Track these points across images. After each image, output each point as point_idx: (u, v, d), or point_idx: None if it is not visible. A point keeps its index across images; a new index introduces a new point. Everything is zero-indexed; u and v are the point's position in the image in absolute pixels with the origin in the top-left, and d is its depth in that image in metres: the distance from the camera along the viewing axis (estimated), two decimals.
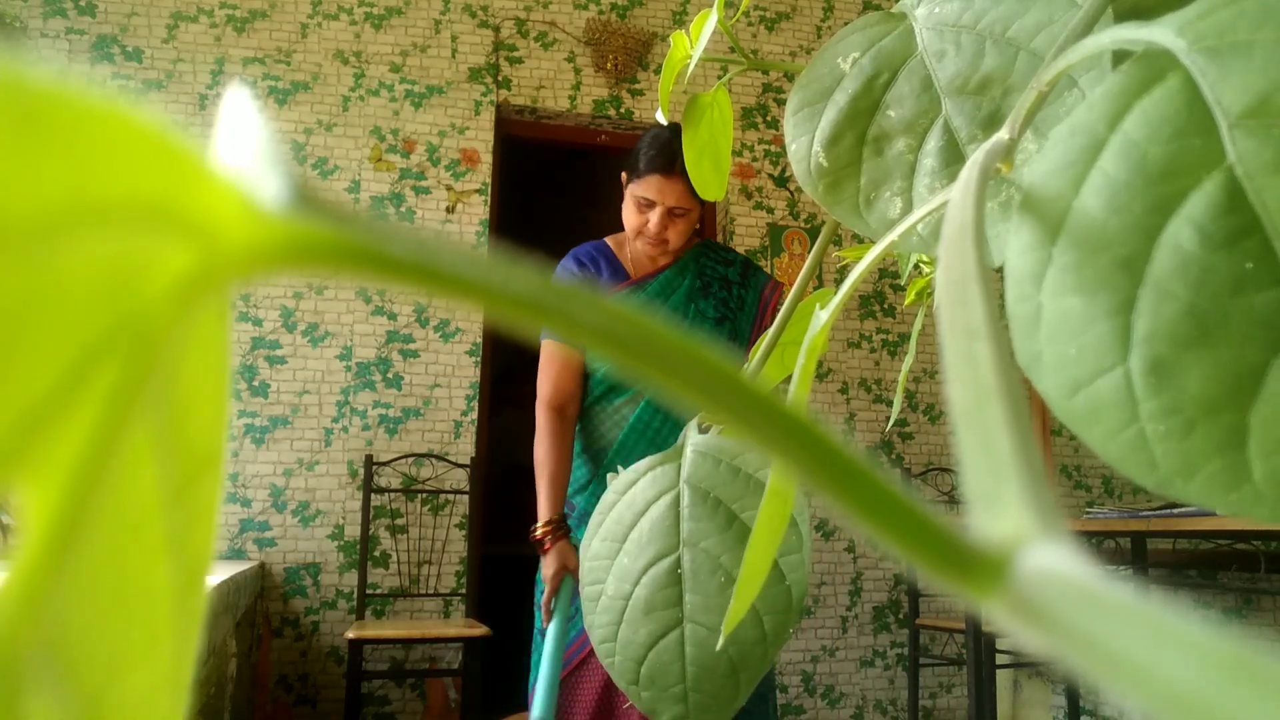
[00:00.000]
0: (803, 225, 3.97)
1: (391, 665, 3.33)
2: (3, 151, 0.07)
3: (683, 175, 1.89)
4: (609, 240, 2.03)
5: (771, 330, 0.54)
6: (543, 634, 1.84)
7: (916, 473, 3.83)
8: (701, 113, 0.66)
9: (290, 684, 3.24)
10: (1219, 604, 3.00)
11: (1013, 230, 0.24)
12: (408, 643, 3.26)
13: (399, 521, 3.41)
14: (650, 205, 1.88)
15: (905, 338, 3.94)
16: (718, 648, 0.45)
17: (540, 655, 1.81)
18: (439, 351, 3.54)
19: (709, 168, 0.68)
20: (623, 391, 1.94)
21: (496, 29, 3.82)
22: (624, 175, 1.94)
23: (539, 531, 1.87)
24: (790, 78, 4.04)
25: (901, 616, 3.76)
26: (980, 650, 2.82)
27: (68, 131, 0.08)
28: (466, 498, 3.45)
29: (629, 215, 1.92)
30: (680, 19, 4.00)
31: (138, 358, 0.09)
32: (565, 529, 1.88)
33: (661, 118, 0.70)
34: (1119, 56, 0.31)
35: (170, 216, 0.09)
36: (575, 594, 1.84)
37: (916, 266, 1.03)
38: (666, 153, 1.86)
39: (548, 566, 1.86)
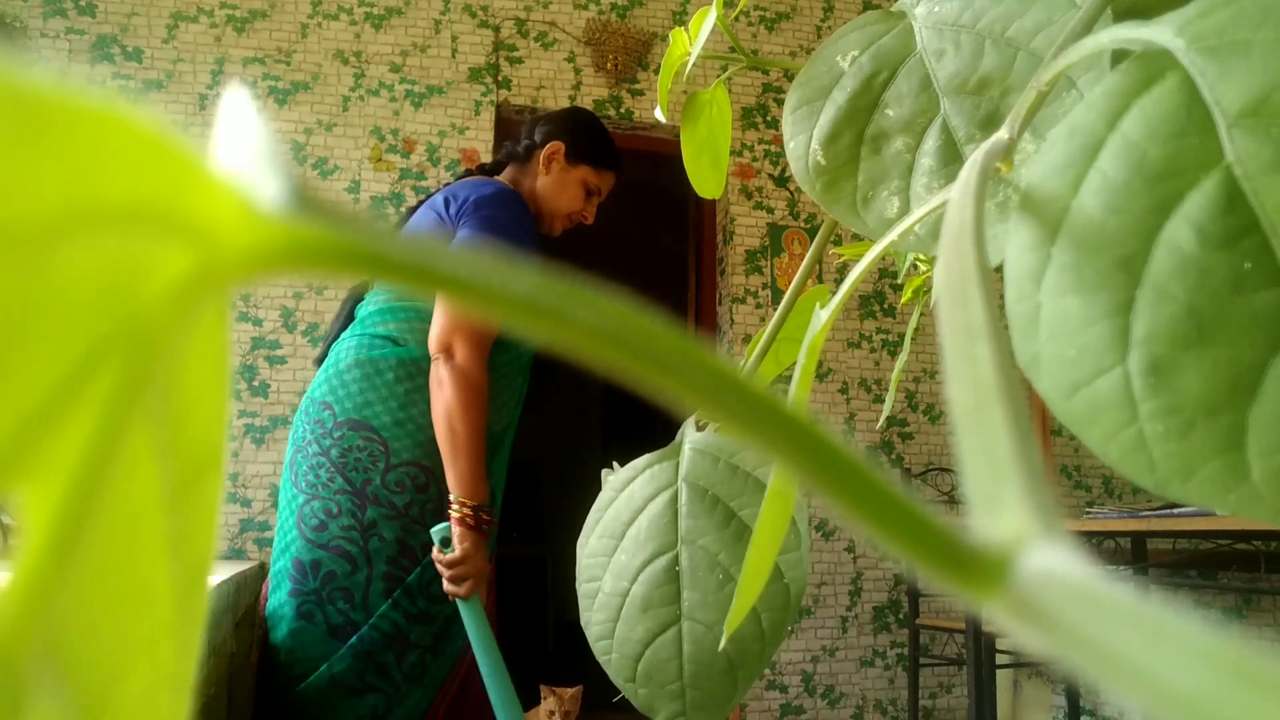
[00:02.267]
0: (803, 225, 3.97)
1: None
2: (2, 154, 0.07)
3: None
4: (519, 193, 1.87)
5: (770, 327, 0.54)
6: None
7: (916, 473, 3.83)
8: (700, 110, 0.66)
9: None
10: (1219, 604, 3.00)
11: (1012, 230, 0.24)
12: None
13: None
14: (595, 195, 1.94)
15: (905, 337, 3.94)
16: (719, 648, 0.45)
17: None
18: None
19: (707, 164, 0.68)
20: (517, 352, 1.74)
21: (496, 29, 3.82)
22: (561, 146, 1.89)
23: (483, 512, 1.56)
24: (790, 77, 4.03)
25: (901, 616, 3.76)
26: (980, 650, 2.82)
27: (67, 134, 0.08)
28: None
29: (572, 195, 1.90)
30: (680, 19, 4.00)
31: (137, 360, 0.09)
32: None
33: (660, 115, 0.70)
34: (1118, 56, 0.31)
35: (169, 219, 0.09)
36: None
37: (913, 264, 1.03)
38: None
39: (480, 558, 1.55)
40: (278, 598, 1.64)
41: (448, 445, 1.58)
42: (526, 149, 1.92)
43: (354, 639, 1.58)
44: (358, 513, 1.62)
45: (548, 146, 1.89)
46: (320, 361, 1.79)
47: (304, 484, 1.65)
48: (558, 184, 1.89)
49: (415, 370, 1.68)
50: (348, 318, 1.80)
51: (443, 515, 1.63)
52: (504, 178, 1.90)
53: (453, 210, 1.71)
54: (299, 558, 1.62)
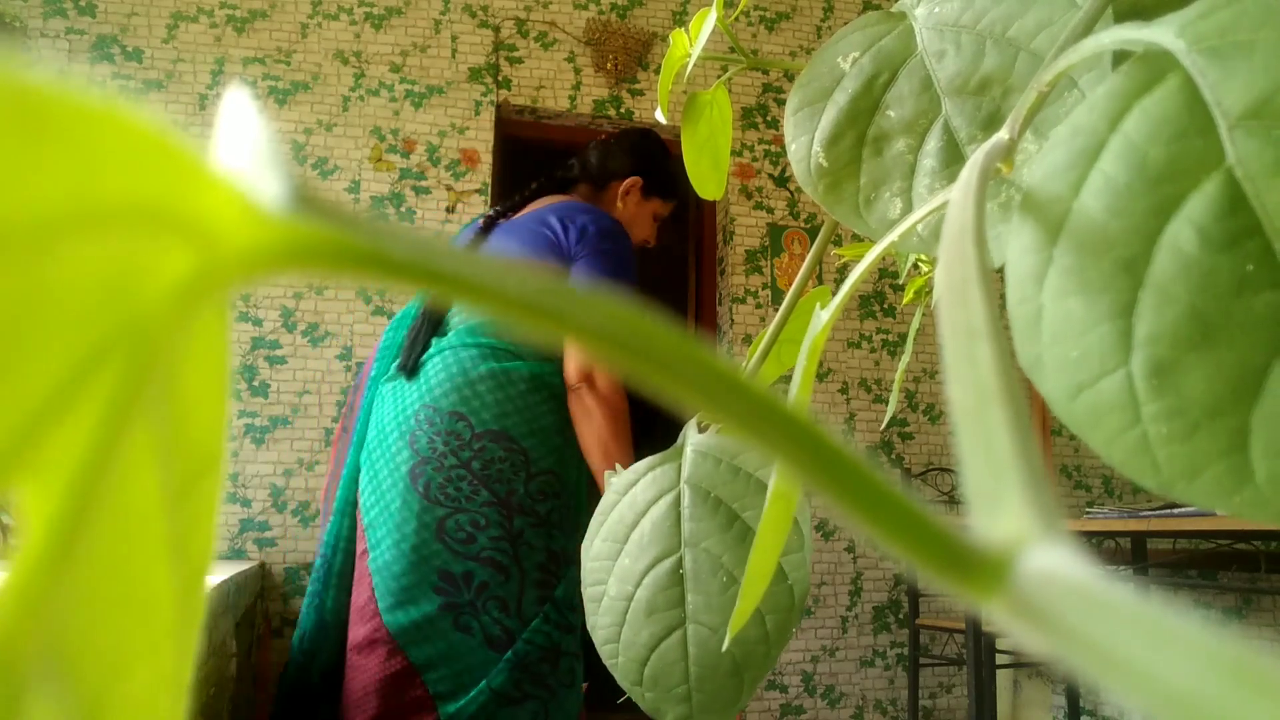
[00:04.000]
0: (803, 225, 3.97)
1: None
2: (2, 154, 0.07)
3: None
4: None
5: (771, 328, 0.54)
6: None
7: (916, 473, 3.82)
8: (700, 111, 0.66)
9: None
10: (1219, 604, 3.00)
11: (1013, 231, 0.24)
12: None
13: None
14: (658, 221, 2.07)
15: (905, 338, 3.94)
16: (723, 649, 0.45)
17: None
18: None
19: (708, 166, 0.68)
20: None
21: (496, 29, 3.82)
22: (640, 181, 2.01)
23: None
24: (790, 78, 4.04)
25: (901, 616, 3.76)
26: (980, 650, 2.81)
27: (67, 134, 0.08)
28: None
29: (644, 227, 2.03)
30: (680, 19, 4.00)
31: (138, 360, 0.09)
32: None
33: (661, 117, 0.70)
34: (1120, 57, 0.31)
35: (170, 219, 0.09)
36: None
37: (915, 265, 1.03)
38: None
39: None
40: (420, 611, 1.63)
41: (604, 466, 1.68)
42: (601, 176, 2.01)
43: (510, 654, 1.61)
44: (505, 523, 1.65)
45: (627, 180, 2.00)
46: (411, 371, 1.77)
47: (442, 496, 1.66)
48: (632, 216, 2.01)
49: (541, 384, 1.73)
50: (434, 325, 1.80)
51: (569, 520, 1.71)
52: (579, 198, 1.96)
53: (571, 236, 1.77)
54: (446, 569, 1.63)
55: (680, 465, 0.49)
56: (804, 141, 0.42)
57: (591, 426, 1.68)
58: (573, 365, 1.69)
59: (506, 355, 1.72)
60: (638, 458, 0.51)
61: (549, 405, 1.72)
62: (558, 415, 1.71)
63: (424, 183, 3.63)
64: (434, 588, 1.62)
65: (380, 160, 3.61)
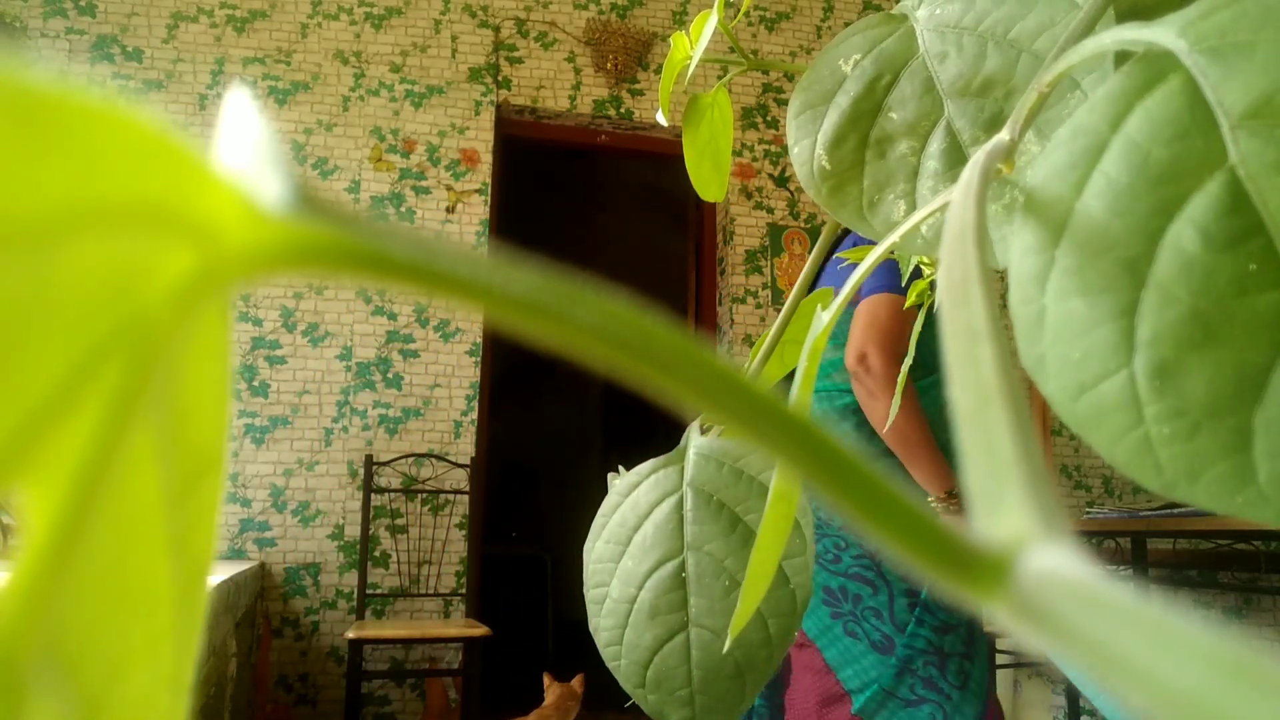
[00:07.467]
0: (803, 225, 3.97)
1: (391, 665, 3.33)
2: (3, 154, 0.07)
3: None
4: None
5: (773, 330, 0.54)
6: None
7: None
8: (702, 114, 0.66)
9: (290, 684, 3.24)
10: (1219, 604, 3.00)
11: (1016, 232, 0.24)
12: (408, 643, 3.26)
13: (399, 521, 3.41)
14: None
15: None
16: (724, 651, 0.45)
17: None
18: (439, 351, 3.54)
19: (709, 168, 0.68)
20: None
21: (496, 29, 3.82)
22: None
23: (954, 494, 1.65)
24: (790, 78, 4.04)
25: None
26: None
27: (68, 133, 0.08)
28: (466, 498, 3.46)
29: None
30: (680, 19, 4.00)
31: (139, 360, 0.09)
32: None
33: (662, 118, 0.70)
34: (1121, 58, 0.31)
35: (171, 219, 0.09)
36: None
37: (916, 267, 1.03)
38: None
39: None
40: (819, 619, 1.76)
41: (903, 450, 1.67)
42: None
43: (893, 659, 1.70)
44: (864, 542, 1.72)
45: None
46: None
47: None
48: None
49: (852, 410, 1.79)
50: None
51: None
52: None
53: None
54: (826, 585, 1.76)
55: (683, 468, 0.49)
56: (807, 144, 0.42)
57: (878, 409, 1.64)
58: (849, 351, 1.65)
59: (839, 394, 1.80)
60: (641, 459, 0.51)
61: (871, 433, 1.75)
62: (877, 444, 1.74)
63: (424, 183, 3.63)
64: (823, 600, 1.76)
65: (380, 160, 3.61)
